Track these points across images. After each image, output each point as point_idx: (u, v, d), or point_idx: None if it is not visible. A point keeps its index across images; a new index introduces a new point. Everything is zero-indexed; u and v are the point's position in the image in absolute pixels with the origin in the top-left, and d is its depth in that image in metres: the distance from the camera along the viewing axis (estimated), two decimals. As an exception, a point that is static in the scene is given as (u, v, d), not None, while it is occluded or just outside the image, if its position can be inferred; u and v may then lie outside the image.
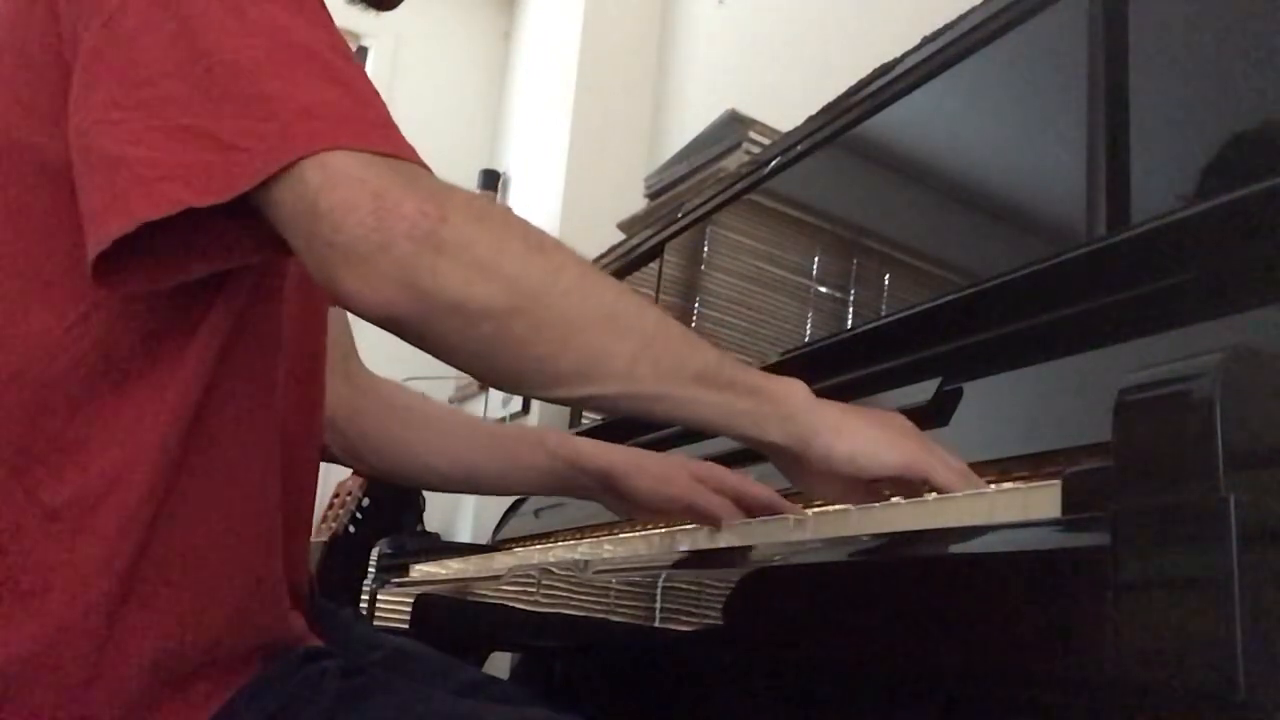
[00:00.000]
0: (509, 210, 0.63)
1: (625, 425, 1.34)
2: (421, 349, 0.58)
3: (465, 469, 0.96)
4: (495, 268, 0.56)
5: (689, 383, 0.62)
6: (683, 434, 1.16)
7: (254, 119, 0.54)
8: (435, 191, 0.55)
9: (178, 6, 0.56)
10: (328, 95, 0.56)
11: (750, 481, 0.87)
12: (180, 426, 0.61)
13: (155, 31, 0.56)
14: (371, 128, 0.56)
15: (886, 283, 1.07)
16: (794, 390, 0.65)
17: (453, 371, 2.08)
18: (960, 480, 0.65)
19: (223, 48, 0.55)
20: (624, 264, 1.72)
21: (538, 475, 0.95)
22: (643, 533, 1.07)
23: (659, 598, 0.69)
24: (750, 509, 0.86)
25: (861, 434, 0.64)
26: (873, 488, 0.68)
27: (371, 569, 1.49)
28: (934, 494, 0.66)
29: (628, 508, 0.93)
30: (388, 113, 0.58)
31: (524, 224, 0.60)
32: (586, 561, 0.87)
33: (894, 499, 0.69)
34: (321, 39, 0.58)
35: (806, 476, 0.68)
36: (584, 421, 1.68)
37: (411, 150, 0.57)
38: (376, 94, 0.59)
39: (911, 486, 0.67)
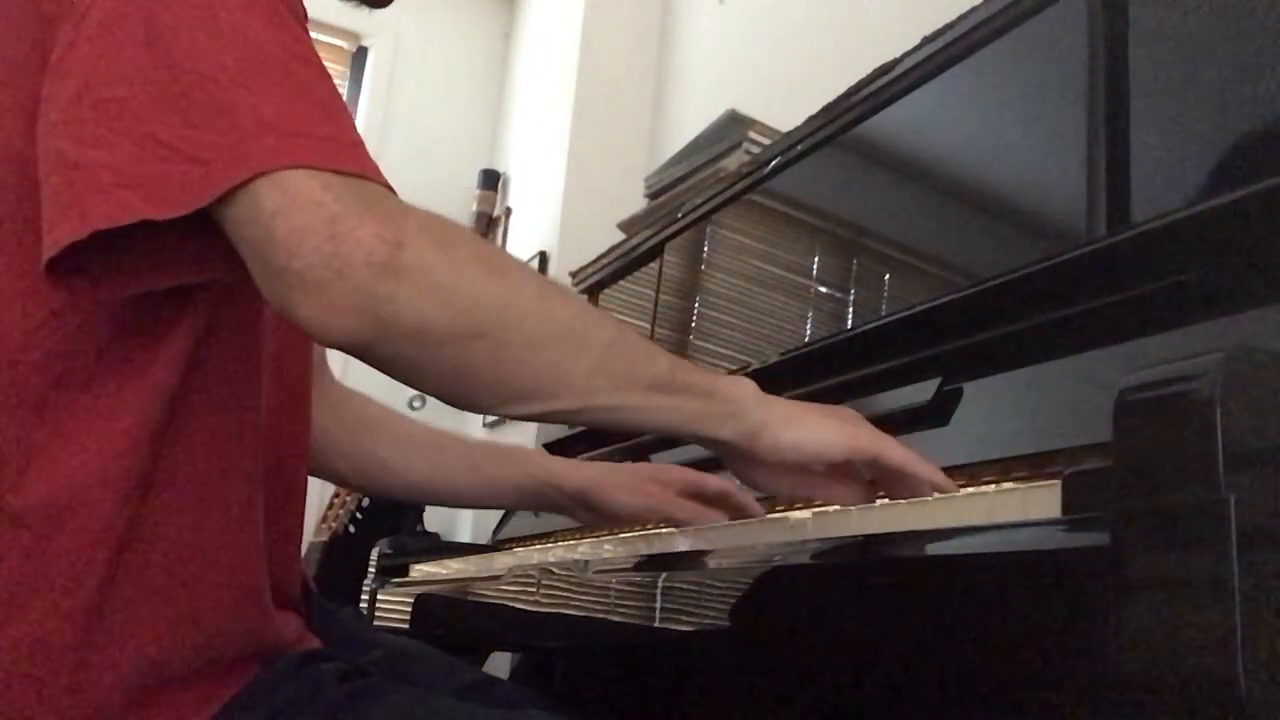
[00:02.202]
0: (469, 231, 0.63)
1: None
2: (381, 372, 0.58)
3: (442, 484, 0.99)
4: (453, 293, 0.56)
5: (643, 392, 0.63)
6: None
7: (215, 132, 0.53)
8: (393, 215, 0.55)
9: (146, 9, 0.55)
10: (291, 109, 0.55)
11: (705, 476, 0.93)
12: (152, 432, 0.60)
13: (121, 33, 0.55)
14: (333, 144, 0.55)
15: (886, 283, 1.07)
16: (743, 389, 0.67)
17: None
18: (912, 458, 0.66)
19: (190, 56, 0.54)
20: (624, 264, 1.72)
21: (514, 492, 0.99)
22: (642, 533, 1.07)
23: (659, 598, 0.69)
24: (711, 502, 0.92)
25: (807, 422, 0.67)
26: (820, 479, 0.71)
27: (371, 569, 1.49)
28: (912, 498, 0.66)
29: (602, 521, 0.99)
30: (353, 127, 0.58)
31: (483, 246, 0.61)
32: (586, 561, 0.87)
33: (889, 499, 0.69)
34: (291, 50, 0.57)
35: (757, 471, 0.70)
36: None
37: (373, 167, 0.56)
38: (344, 107, 0.58)
39: (888, 485, 0.68)
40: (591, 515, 0.98)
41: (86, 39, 0.55)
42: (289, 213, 0.52)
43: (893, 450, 0.66)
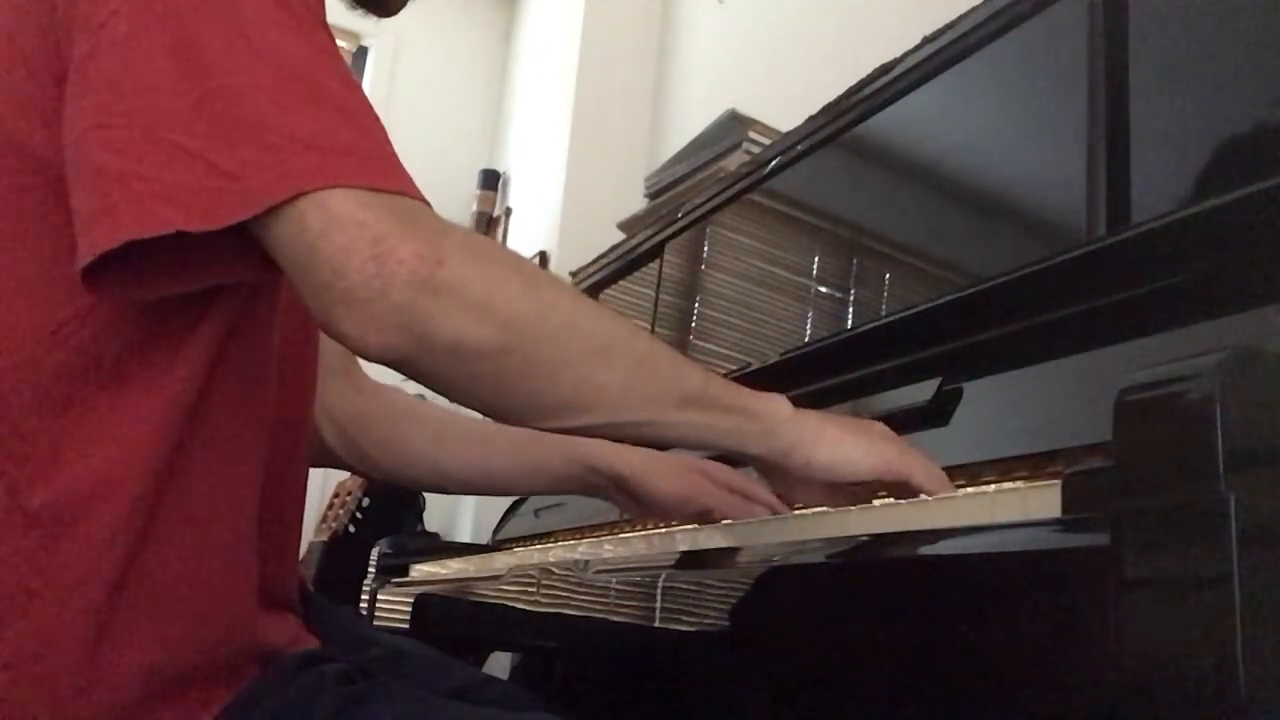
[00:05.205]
0: (505, 248, 0.65)
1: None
2: (419, 383, 0.59)
3: (478, 472, 0.98)
4: (491, 309, 0.57)
5: (675, 408, 0.64)
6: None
7: (254, 148, 0.54)
8: (433, 233, 0.56)
9: (176, 20, 0.56)
10: (328, 126, 0.55)
11: (753, 484, 0.90)
12: (170, 433, 0.60)
13: (150, 41, 0.55)
14: (371, 162, 0.56)
15: (886, 283, 1.07)
16: (776, 406, 0.68)
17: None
18: (938, 482, 0.68)
19: (223, 71, 0.55)
20: (624, 264, 1.72)
21: (550, 478, 0.97)
22: (642, 533, 1.07)
23: (659, 598, 0.69)
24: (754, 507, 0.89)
25: (839, 442, 0.68)
26: (851, 491, 0.72)
27: (371, 569, 1.49)
28: (922, 495, 0.66)
29: (638, 507, 0.95)
30: (388, 142, 0.58)
31: (519, 262, 0.62)
32: (586, 561, 0.87)
33: (889, 500, 0.69)
34: (324, 64, 0.58)
35: (789, 484, 0.72)
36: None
37: (410, 183, 0.57)
38: (377, 121, 0.59)
39: (893, 488, 0.69)
40: (629, 502, 0.95)
41: (110, 48, 0.55)
42: (332, 233, 0.53)
43: (920, 475, 0.68)
